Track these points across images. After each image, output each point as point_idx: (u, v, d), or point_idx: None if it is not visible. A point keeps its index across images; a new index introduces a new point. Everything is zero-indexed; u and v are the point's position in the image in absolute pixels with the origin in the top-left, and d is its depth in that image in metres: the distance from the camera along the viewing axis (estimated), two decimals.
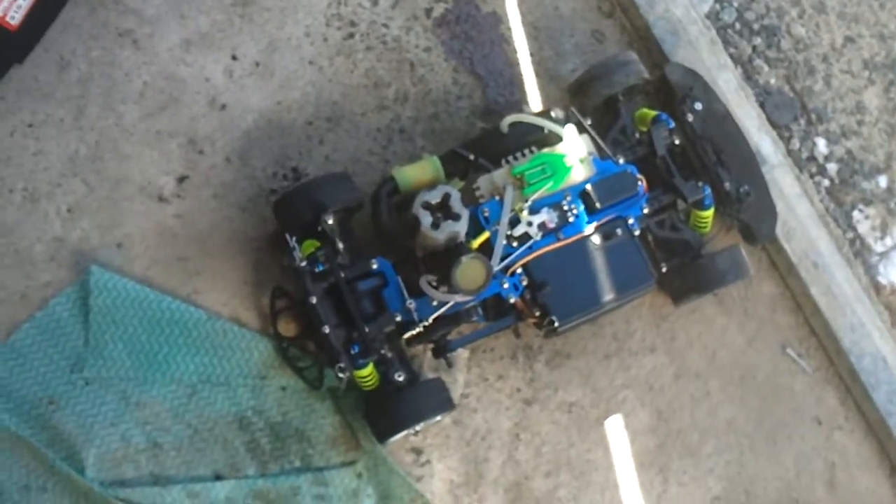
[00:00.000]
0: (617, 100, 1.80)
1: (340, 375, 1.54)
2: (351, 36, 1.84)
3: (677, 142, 1.73)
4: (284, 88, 1.78)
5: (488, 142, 1.70)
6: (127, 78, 1.71)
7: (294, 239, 1.57)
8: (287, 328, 1.67)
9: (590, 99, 1.82)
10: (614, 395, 1.86)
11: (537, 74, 1.94)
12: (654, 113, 1.77)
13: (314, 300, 1.56)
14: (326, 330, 1.56)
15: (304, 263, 1.55)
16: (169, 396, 1.60)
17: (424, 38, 1.88)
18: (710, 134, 1.73)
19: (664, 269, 1.74)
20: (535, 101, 1.93)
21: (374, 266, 1.60)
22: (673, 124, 1.73)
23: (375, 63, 1.85)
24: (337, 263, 1.57)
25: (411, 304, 1.58)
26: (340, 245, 1.60)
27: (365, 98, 1.82)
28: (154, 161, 1.68)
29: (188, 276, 1.66)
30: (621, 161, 1.69)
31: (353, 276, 1.59)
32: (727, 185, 1.73)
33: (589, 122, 1.71)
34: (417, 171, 1.66)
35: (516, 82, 1.93)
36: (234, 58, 1.77)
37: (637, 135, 1.77)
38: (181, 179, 1.70)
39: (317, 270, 1.57)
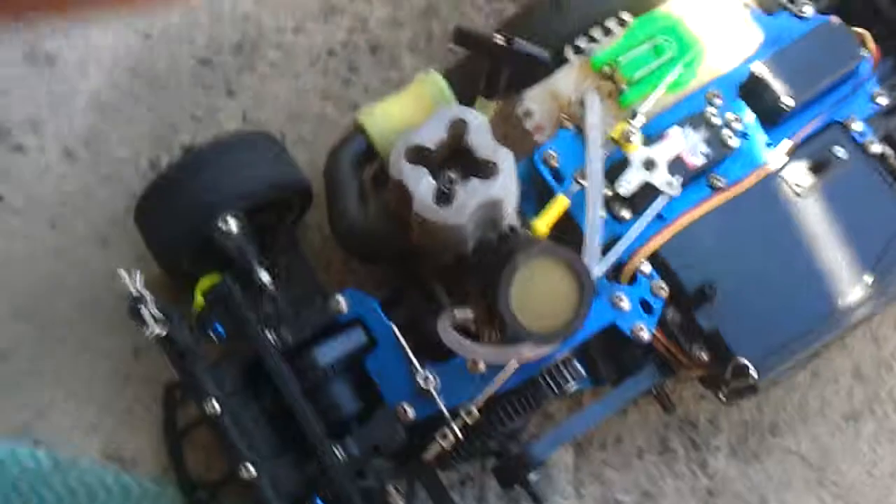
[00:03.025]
0: None
1: None
2: None
3: None
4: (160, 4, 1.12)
5: (537, 20, 0.96)
6: None
7: (136, 276, 0.79)
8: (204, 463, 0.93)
9: None
10: None
11: None
12: None
13: (215, 407, 0.79)
14: (249, 472, 0.78)
15: (162, 331, 0.78)
16: None
17: None
18: None
19: None
20: None
21: (342, 307, 0.83)
22: None
23: None
24: (258, 317, 0.81)
25: (428, 378, 0.80)
26: (263, 275, 0.84)
27: None
28: None
29: (13, 387, 1.00)
30: (807, 11, 0.93)
31: (299, 338, 0.83)
32: None
33: None
34: (406, 107, 0.92)
35: None
36: None
37: None
38: None
39: (214, 334, 0.83)
